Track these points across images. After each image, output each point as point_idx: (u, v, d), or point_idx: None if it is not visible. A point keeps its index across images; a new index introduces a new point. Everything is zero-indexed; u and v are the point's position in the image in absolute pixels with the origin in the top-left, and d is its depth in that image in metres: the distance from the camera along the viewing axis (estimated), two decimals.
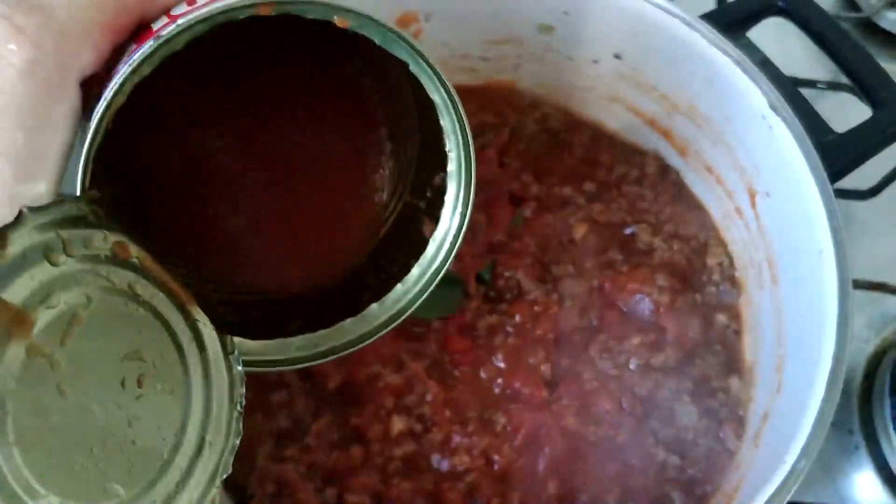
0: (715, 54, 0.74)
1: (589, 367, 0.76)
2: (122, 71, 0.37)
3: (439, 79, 0.43)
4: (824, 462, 0.87)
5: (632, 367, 0.76)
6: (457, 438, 0.72)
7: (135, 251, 0.38)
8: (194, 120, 0.45)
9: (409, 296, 0.45)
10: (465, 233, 0.45)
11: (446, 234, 0.45)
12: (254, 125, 0.46)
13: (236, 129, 0.46)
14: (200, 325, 0.40)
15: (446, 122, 0.44)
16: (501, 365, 0.75)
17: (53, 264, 0.35)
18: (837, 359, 0.62)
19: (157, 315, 0.39)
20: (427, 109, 0.45)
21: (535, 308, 0.77)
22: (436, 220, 0.46)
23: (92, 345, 0.36)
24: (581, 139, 0.89)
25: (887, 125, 0.76)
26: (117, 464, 0.36)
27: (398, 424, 0.72)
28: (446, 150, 0.45)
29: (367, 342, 0.44)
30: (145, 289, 0.38)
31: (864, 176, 0.91)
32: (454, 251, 0.45)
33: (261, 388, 0.74)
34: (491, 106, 0.90)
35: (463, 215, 0.45)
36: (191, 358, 0.40)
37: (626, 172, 0.87)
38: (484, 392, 0.75)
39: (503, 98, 0.90)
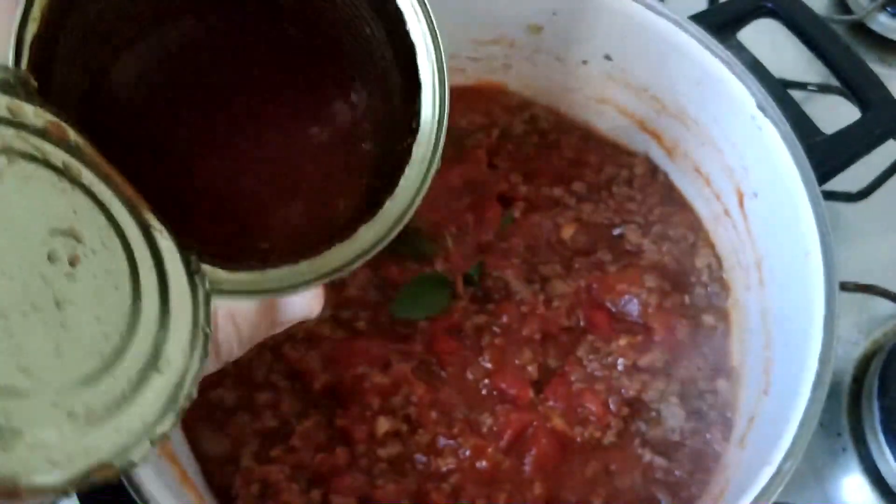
0: (704, 55, 0.74)
1: (576, 368, 0.75)
2: None
3: None
4: (812, 464, 0.86)
5: (619, 367, 0.75)
6: (443, 440, 0.72)
7: (74, 136, 0.36)
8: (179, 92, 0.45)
9: (397, 210, 0.44)
10: (444, 142, 0.44)
11: (427, 145, 0.44)
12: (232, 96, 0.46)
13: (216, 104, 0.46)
14: (155, 233, 0.38)
15: (415, 28, 0.44)
16: (488, 366, 0.75)
17: None
18: (823, 360, 0.61)
19: (99, 204, 0.37)
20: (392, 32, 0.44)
21: (523, 308, 0.77)
22: (413, 131, 0.45)
23: (12, 204, 0.34)
24: (570, 140, 0.89)
25: (876, 127, 0.76)
26: (40, 343, 0.33)
27: (384, 425, 0.72)
28: (417, 62, 0.44)
29: (358, 263, 0.42)
30: (83, 174, 0.36)
31: (854, 178, 0.91)
32: (436, 160, 0.44)
33: (246, 389, 0.73)
34: (480, 107, 0.90)
35: (440, 121, 0.44)
36: (142, 261, 0.37)
37: (616, 173, 0.87)
38: (470, 393, 0.75)
39: (493, 99, 0.90)
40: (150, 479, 0.58)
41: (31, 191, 0.34)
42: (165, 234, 0.39)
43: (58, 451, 0.31)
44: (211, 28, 0.46)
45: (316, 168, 0.48)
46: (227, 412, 0.72)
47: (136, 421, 0.34)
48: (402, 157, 0.45)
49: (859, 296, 0.90)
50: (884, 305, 0.93)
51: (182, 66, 0.46)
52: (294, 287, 0.41)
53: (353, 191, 0.47)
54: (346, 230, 0.43)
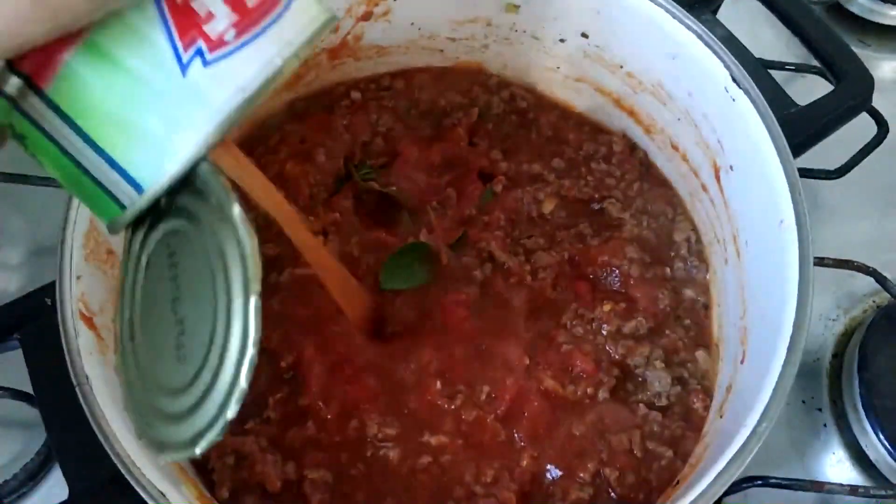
0: (678, 29, 0.74)
1: (562, 333, 0.75)
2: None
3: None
4: (793, 439, 0.87)
5: (603, 332, 0.76)
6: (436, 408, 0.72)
7: None
8: None
9: None
10: None
11: None
12: None
13: None
14: None
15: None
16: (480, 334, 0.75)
17: None
18: (798, 325, 0.61)
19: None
20: None
21: (511, 279, 0.77)
22: None
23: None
24: (549, 119, 0.89)
25: (849, 98, 0.76)
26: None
27: None
28: None
29: None
30: None
31: (831, 155, 0.91)
32: None
33: None
34: (459, 86, 0.90)
35: None
36: None
37: (594, 151, 0.87)
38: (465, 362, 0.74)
39: (471, 78, 0.91)
40: (132, 448, 0.58)
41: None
42: None
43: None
44: None
45: None
46: None
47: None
48: None
49: (838, 273, 0.90)
50: (862, 282, 0.93)
51: None
52: None
53: None
54: None
